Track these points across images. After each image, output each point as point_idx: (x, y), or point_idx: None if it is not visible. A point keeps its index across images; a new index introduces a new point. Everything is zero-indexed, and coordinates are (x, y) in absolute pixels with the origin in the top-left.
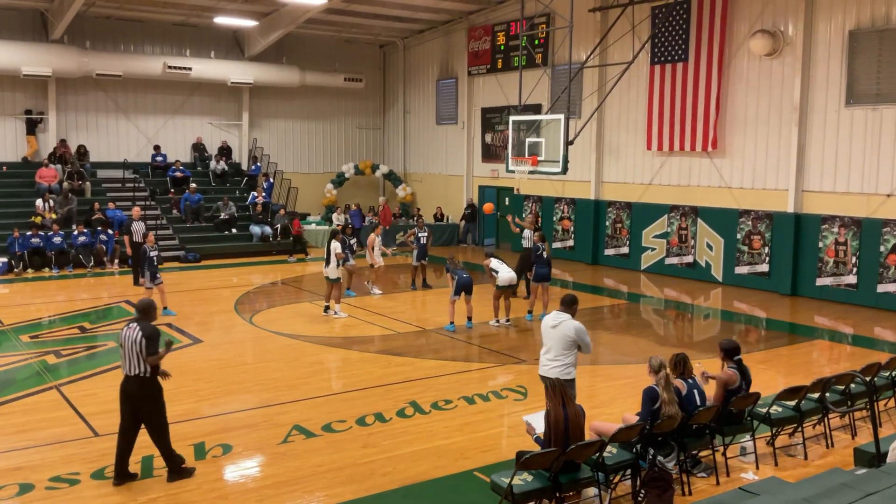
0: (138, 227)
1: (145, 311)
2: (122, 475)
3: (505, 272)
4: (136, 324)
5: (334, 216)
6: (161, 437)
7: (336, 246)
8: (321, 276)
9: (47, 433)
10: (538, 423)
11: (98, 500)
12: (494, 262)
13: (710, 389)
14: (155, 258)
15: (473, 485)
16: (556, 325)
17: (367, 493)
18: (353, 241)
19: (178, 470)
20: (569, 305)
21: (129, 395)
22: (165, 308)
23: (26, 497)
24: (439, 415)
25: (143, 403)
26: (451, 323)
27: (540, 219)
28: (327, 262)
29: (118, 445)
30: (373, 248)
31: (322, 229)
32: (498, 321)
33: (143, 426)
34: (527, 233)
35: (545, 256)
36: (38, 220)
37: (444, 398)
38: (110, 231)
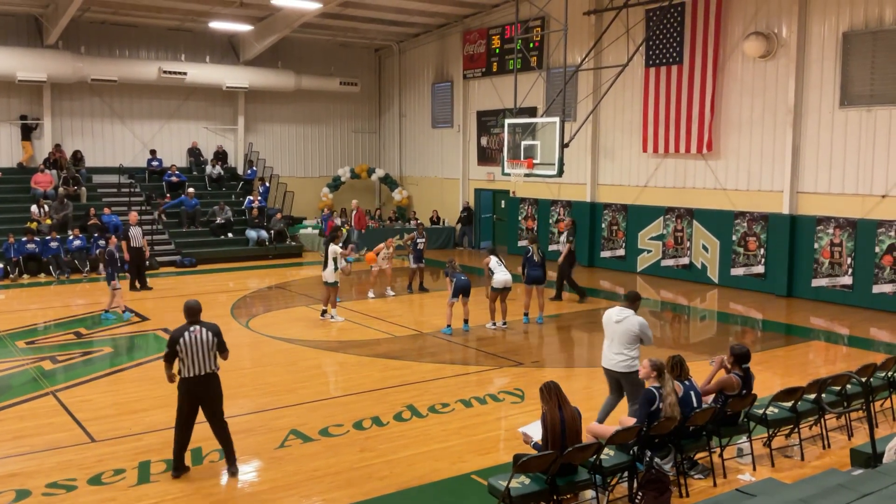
0: (136, 233)
1: (197, 311)
2: (181, 468)
3: (500, 274)
4: (198, 326)
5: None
6: (226, 428)
7: (334, 250)
8: (317, 279)
9: (43, 439)
10: (535, 431)
11: None
12: (493, 262)
13: (700, 379)
14: (118, 260)
15: (471, 488)
16: (621, 321)
17: (365, 496)
18: (352, 245)
19: (234, 459)
20: (632, 301)
21: (200, 393)
22: (107, 310)
23: (23, 503)
24: (436, 418)
25: (215, 399)
26: (448, 326)
27: (575, 222)
28: (325, 266)
29: (179, 441)
30: (378, 254)
31: (318, 233)
32: (494, 324)
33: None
34: (561, 238)
35: (536, 259)
36: (34, 225)
37: (442, 401)
38: (107, 237)
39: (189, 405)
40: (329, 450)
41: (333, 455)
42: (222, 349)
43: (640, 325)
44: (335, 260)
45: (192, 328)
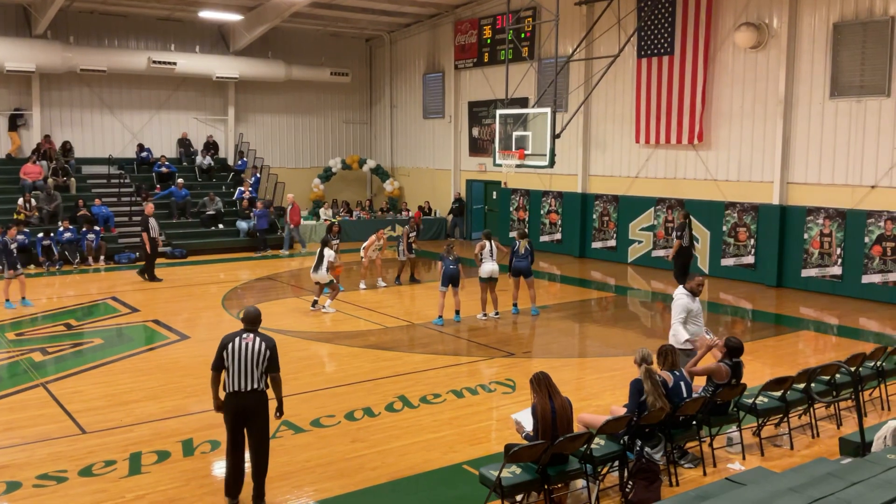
0: (154, 224)
1: (258, 321)
2: (233, 494)
3: (487, 264)
4: (252, 335)
5: (321, 211)
6: (266, 458)
7: (330, 254)
8: (308, 270)
9: (34, 431)
10: (527, 419)
11: (86, 498)
12: (486, 250)
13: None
14: (14, 250)
15: (462, 478)
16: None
17: (356, 487)
18: (337, 242)
19: (262, 495)
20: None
21: (245, 411)
22: (23, 298)
23: (13, 495)
24: (428, 409)
25: (259, 420)
26: (440, 317)
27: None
28: (316, 268)
29: (231, 466)
30: (370, 247)
31: (309, 224)
32: (485, 315)
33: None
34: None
35: (522, 252)
36: (21, 216)
37: (433, 392)
38: (97, 228)
39: (233, 423)
40: (321, 440)
41: (325, 446)
42: (274, 367)
43: (673, 299)
44: (329, 263)
45: (244, 335)
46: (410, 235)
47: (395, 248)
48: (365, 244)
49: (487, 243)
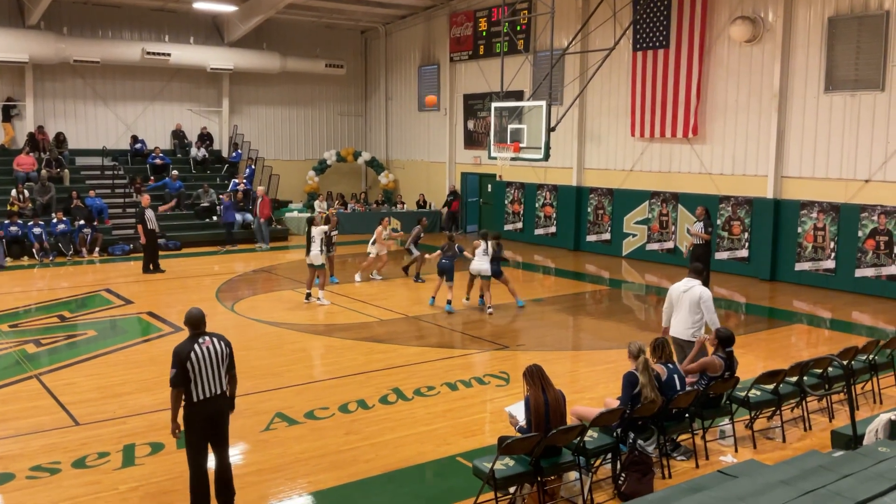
0: (151, 215)
1: (203, 321)
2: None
3: (476, 262)
4: (207, 337)
5: (316, 203)
6: (230, 468)
7: (320, 229)
8: (302, 263)
9: (27, 422)
10: (520, 412)
11: (79, 489)
12: (479, 250)
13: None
14: None
15: (456, 470)
16: (687, 290)
17: (350, 479)
18: (335, 233)
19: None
20: (699, 273)
21: (217, 416)
22: None
23: (7, 486)
24: (422, 401)
25: (226, 422)
26: (448, 303)
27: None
28: (308, 250)
29: (206, 475)
30: (373, 242)
31: (304, 216)
32: (467, 299)
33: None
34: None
35: (486, 254)
36: (16, 207)
37: (427, 384)
38: (94, 223)
39: (205, 431)
40: (314, 433)
41: (319, 438)
42: (233, 365)
43: (703, 295)
44: (321, 240)
45: (201, 340)
46: (422, 235)
47: (409, 246)
48: (373, 238)
49: (483, 243)
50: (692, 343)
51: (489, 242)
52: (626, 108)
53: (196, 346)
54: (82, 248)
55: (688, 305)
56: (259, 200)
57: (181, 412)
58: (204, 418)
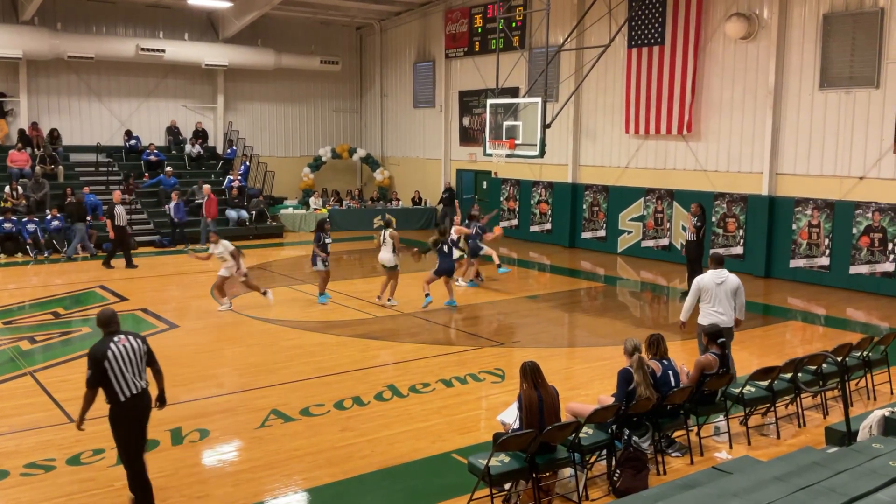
0: (120, 211)
1: (115, 319)
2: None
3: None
4: (122, 335)
5: (311, 200)
6: (146, 468)
7: (390, 233)
8: (298, 260)
9: (21, 419)
10: (511, 416)
11: (74, 486)
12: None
13: (679, 359)
14: None
15: (451, 466)
16: (722, 282)
17: (346, 475)
18: (329, 240)
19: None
20: (721, 262)
21: (144, 411)
22: None
23: (1, 483)
24: (417, 398)
25: (147, 418)
26: (452, 299)
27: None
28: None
29: (135, 472)
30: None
31: (299, 213)
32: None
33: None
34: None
35: (446, 251)
36: (9, 204)
37: (422, 381)
38: (88, 218)
39: (133, 427)
40: (310, 429)
41: (314, 434)
42: (154, 359)
43: (740, 283)
44: (392, 244)
45: (115, 338)
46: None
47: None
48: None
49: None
50: (730, 329)
51: (442, 239)
52: (622, 105)
53: (112, 346)
54: (91, 245)
55: (725, 295)
56: (205, 199)
57: (107, 412)
58: (135, 414)
